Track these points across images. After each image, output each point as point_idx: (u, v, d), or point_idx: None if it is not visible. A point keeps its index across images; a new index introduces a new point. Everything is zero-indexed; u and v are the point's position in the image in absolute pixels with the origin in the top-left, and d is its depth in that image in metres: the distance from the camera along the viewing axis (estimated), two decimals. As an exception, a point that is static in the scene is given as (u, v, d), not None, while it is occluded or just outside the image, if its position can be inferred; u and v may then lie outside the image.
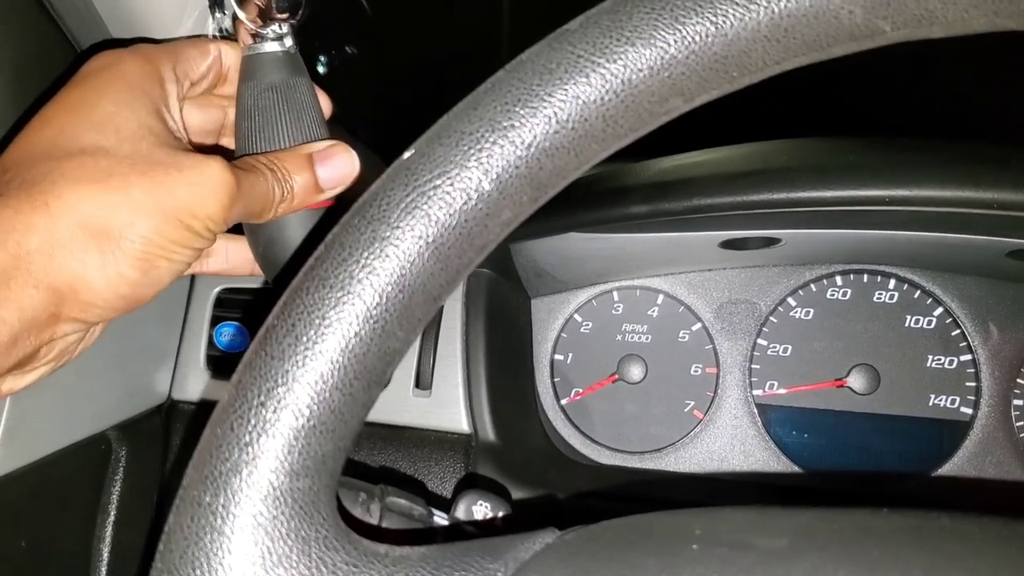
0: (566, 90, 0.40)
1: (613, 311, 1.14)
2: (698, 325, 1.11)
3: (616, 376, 1.11)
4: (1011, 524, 0.41)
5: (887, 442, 1.05)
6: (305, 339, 0.39)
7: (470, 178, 0.40)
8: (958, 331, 1.05)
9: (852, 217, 0.84)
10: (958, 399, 1.05)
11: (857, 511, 0.42)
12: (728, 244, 0.97)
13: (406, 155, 0.42)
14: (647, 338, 1.12)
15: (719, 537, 0.41)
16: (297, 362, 0.39)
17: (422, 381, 0.97)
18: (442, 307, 0.99)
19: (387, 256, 0.40)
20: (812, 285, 1.09)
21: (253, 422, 0.39)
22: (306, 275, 0.41)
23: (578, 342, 1.14)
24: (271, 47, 0.66)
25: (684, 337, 1.12)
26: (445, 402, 0.96)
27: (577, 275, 1.10)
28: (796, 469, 1.06)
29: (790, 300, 1.09)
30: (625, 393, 1.12)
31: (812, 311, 1.09)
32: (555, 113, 0.40)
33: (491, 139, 0.40)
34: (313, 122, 0.68)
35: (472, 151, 0.41)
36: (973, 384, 1.04)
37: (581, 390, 1.13)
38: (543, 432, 1.09)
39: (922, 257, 1.01)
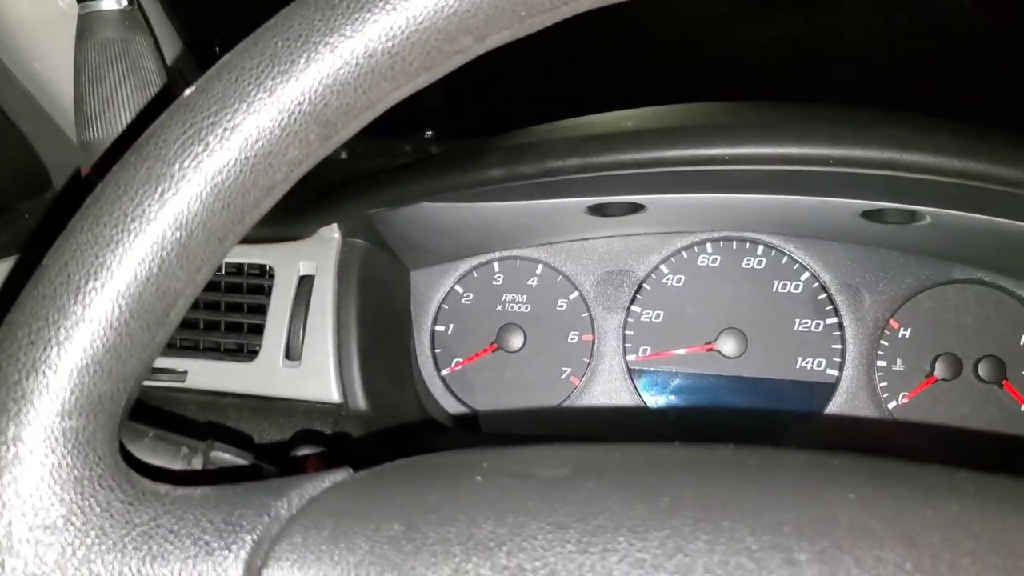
0: (348, 26, 0.40)
1: (494, 281, 1.14)
2: (575, 294, 1.12)
3: (496, 345, 1.12)
4: (788, 454, 0.42)
5: (756, 403, 1.08)
6: (77, 278, 0.39)
7: (250, 115, 0.40)
8: (824, 295, 1.08)
9: (706, 179, 0.86)
10: (824, 361, 1.08)
11: (644, 445, 0.43)
12: (595, 211, 0.98)
13: (186, 92, 0.42)
14: (526, 307, 1.13)
15: (504, 469, 0.41)
16: (69, 301, 0.39)
17: (292, 351, 0.97)
18: (313, 277, 0.98)
19: (162, 194, 0.39)
20: (684, 253, 1.11)
21: (22, 361, 0.38)
22: (81, 214, 0.40)
23: (459, 313, 1.14)
24: (107, 4, 0.65)
25: (562, 306, 1.13)
26: (315, 372, 0.96)
27: (454, 246, 1.10)
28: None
29: (663, 267, 1.11)
30: (505, 362, 1.13)
31: (683, 278, 1.11)
32: (338, 49, 0.40)
33: (271, 75, 0.40)
34: (152, 81, 0.67)
35: (252, 87, 0.40)
36: (838, 346, 1.07)
37: (461, 360, 1.13)
38: (418, 402, 1.09)
39: (786, 222, 1.03)
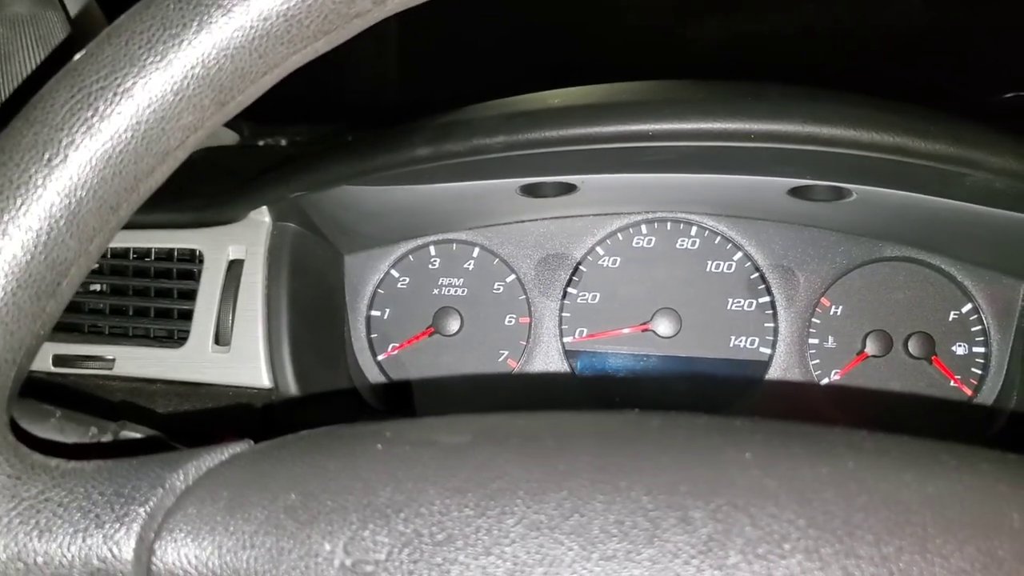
0: (242, -12, 0.39)
1: (430, 265, 1.13)
2: (512, 277, 1.12)
3: (432, 329, 1.11)
4: (690, 417, 0.42)
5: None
6: (-40, 247, 0.38)
7: (140, 79, 0.39)
8: (757, 275, 1.09)
9: (634, 158, 0.86)
10: (757, 340, 1.09)
11: (548, 412, 0.43)
12: (528, 191, 0.97)
13: (76, 57, 0.40)
14: (463, 291, 1.13)
15: (405, 438, 0.41)
16: (-49, 271, 0.37)
17: (221, 337, 0.95)
18: (243, 261, 0.96)
19: (49, 161, 0.38)
20: (619, 234, 1.11)
21: (-99, 334, 0.37)
22: (-36, 182, 0.39)
23: (395, 297, 1.13)
24: (14, -23, 0.63)
25: (499, 289, 1.12)
26: (245, 357, 0.94)
27: (388, 230, 1.09)
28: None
29: (599, 249, 1.11)
30: (442, 346, 1.12)
31: (619, 259, 1.11)
32: (231, 12, 0.39)
33: (162, 38, 0.39)
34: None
35: (143, 51, 0.39)
36: (771, 325, 1.08)
37: (398, 344, 1.13)
38: (352, 387, 1.08)
39: (717, 202, 1.04)
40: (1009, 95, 1.42)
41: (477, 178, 0.93)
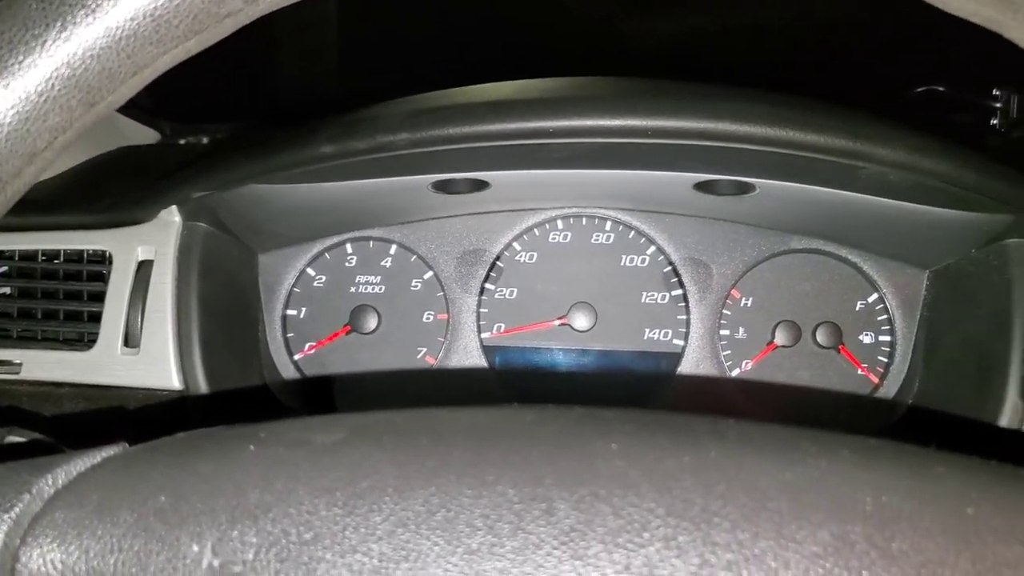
0: (106, -12, 0.39)
1: (347, 263, 1.13)
2: (430, 273, 1.12)
3: (349, 327, 1.11)
4: (566, 410, 0.43)
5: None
6: None
7: (1, 80, 0.38)
8: (669, 268, 1.11)
9: (541, 154, 0.86)
10: (670, 332, 1.10)
11: (427, 409, 0.43)
12: (440, 188, 0.98)
13: (-65, 58, 0.40)
14: (380, 288, 1.12)
15: (279, 438, 0.41)
16: None
17: (131, 339, 0.94)
18: (152, 262, 0.95)
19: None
20: (535, 230, 1.12)
21: None
22: None
23: (311, 296, 1.13)
24: None
25: (416, 286, 1.12)
26: (154, 359, 0.93)
27: (302, 228, 1.09)
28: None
29: (515, 245, 1.12)
30: (359, 344, 1.12)
31: (536, 255, 1.12)
32: (95, 11, 0.39)
33: (24, 39, 0.39)
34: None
35: (3, 51, 0.38)
36: (684, 317, 1.10)
37: (314, 343, 1.12)
38: (267, 386, 1.08)
39: (629, 197, 1.05)
40: (922, 89, 1.46)
41: (387, 175, 0.93)
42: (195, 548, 0.36)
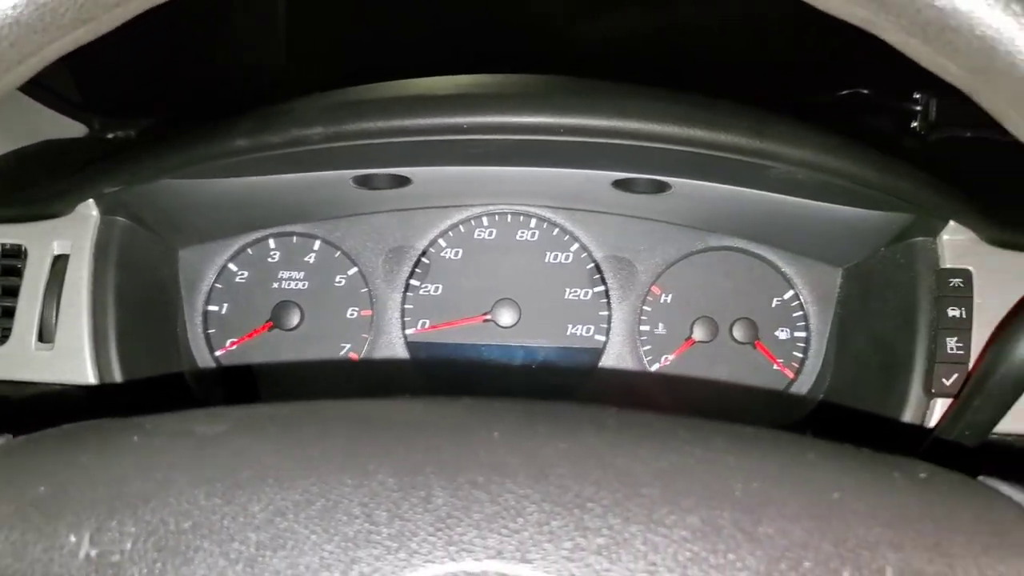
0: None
1: (269, 259, 1.12)
2: (354, 269, 1.12)
3: (271, 323, 1.10)
4: (454, 402, 0.43)
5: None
6: None
7: None
8: (592, 265, 1.12)
9: (459, 150, 0.87)
10: (592, 327, 1.12)
11: (315, 402, 0.44)
12: (361, 183, 0.98)
13: None
14: (304, 284, 1.12)
15: (163, 429, 0.41)
16: None
17: (45, 334, 0.92)
18: (68, 256, 0.94)
19: None
20: (461, 226, 1.13)
21: None
22: None
23: (233, 292, 1.12)
24: None
25: (340, 282, 1.12)
26: (69, 354, 0.92)
27: (223, 223, 1.08)
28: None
29: (440, 241, 1.12)
30: (282, 340, 1.11)
31: (461, 251, 1.13)
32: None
33: None
34: None
35: None
36: (605, 313, 1.12)
37: (236, 340, 1.11)
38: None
39: (550, 194, 1.07)
40: (846, 92, 1.49)
41: (307, 170, 0.93)
42: (72, 538, 0.36)
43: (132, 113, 1.37)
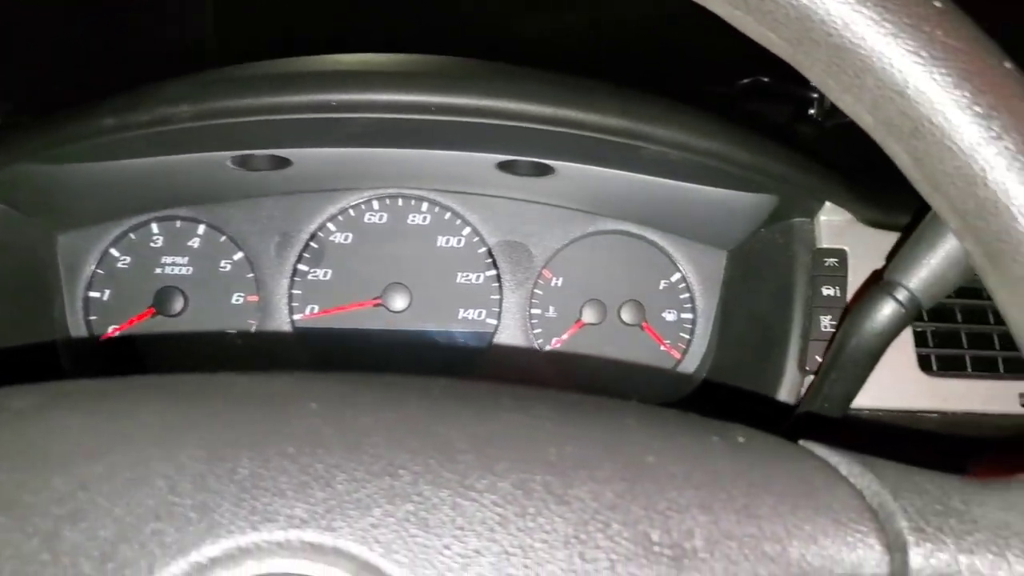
0: None
1: (152, 244, 1.10)
2: (240, 254, 1.10)
3: (154, 309, 1.08)
4: (279, 376, 0.43)
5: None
6: None
7: None
8: (484, 249, 1.12)
9: (333, 129, 0.86)
10: (484, 311, 1.12)
11: (144, 376, 0.43)
12: (240, 164, 0.96)
13: None
14: (188, 270, 1.10)
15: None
16: None
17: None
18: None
19: None
20: (351, 210, 1.12)
21: None
22: None
23: (115, 277, 1.09)
24: None
25: (226, 267, 1.10)
26: (-66, 343, 0.88)
27: (103, 207, 1.05)
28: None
29: (329, 225, 1.11)
30: (166, 326, 1.09)
31: (351, 235, 1.12)
32: None
33: None
34: None
35: None
36: (497, 297, 1.12)
37: (118, 326, 1.08)
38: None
39: (438, 177, 1.06)
40: (747, 80, 1.52)
41: (183, 151, 0.91)
42: None
43: (46, 98, 1.32)
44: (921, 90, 0.39)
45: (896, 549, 0.37)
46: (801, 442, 0.42)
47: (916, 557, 0.37)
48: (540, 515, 0.36)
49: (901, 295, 0.66)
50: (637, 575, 0.35)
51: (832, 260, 0.92)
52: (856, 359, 0.71)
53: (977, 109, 0.38)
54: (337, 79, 0.76)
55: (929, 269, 0.64)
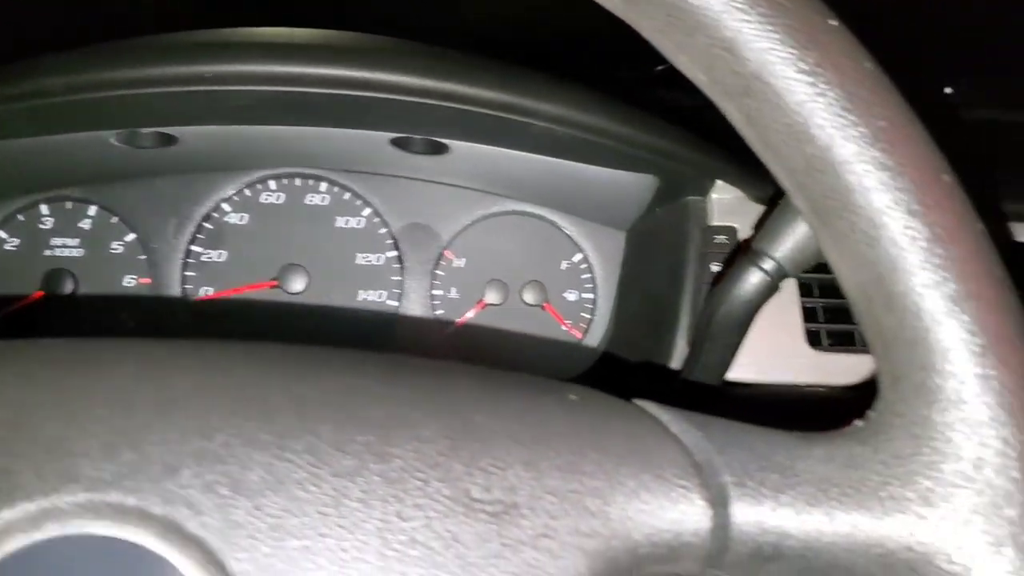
0: None
1: (40, 225, 1.07)
2: (131, 236, 1.07)
3: (42, 292, 1.05)
4: (101, 341, 0.42)
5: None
6: None
7: None
8: (385, 230, 1.11)
9: (221, 106, 0.84)
10: (385, 293, 1.11)
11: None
12: (125, 141, 0.93)
13: None
14: (79, 252, 1.07)
15: None
16: None
17: None
18: None
19: None
20: (247, 190, 1.10)
21: None
22: None
23: (2, 261, 1.05)
24: None
25: (117, 249, 1.08)
26: None
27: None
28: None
29: (224, 206, 1.09)
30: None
31: (247, 216, 1.10)
32: None
33: None
34: None
35: None
36: (398, 278, 1.11)
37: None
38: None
39: (335, 156, 1.05)
40: (662, 67, 1.53)
41: (64, 128, 0.89)
42: None
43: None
44: (750, 48, 0.39)
45: (719, 504, 0.38)
46: (636, 401, 0.43)
47: (738, 511, 0.38)
48: (358, 474, 0.35)
49: (766, 264, 0.67)
50: (455, 531, 0.35)
51: (722, 237, 0.93)
52: (725, 328, 0.72)
53: (803, 66, 0.39)
54: (212, 51, 0.74)
55: (791, 237, 0.65)
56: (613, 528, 0.37)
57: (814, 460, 0.38)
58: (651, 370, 0.95)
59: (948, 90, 1.39)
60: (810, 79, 0.39)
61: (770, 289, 0.68)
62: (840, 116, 0.38)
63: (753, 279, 0.68)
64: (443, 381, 0.41)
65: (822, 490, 0.38)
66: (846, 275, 0.41)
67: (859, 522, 0.37)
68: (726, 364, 0.77)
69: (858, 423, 0.40)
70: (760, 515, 0.37)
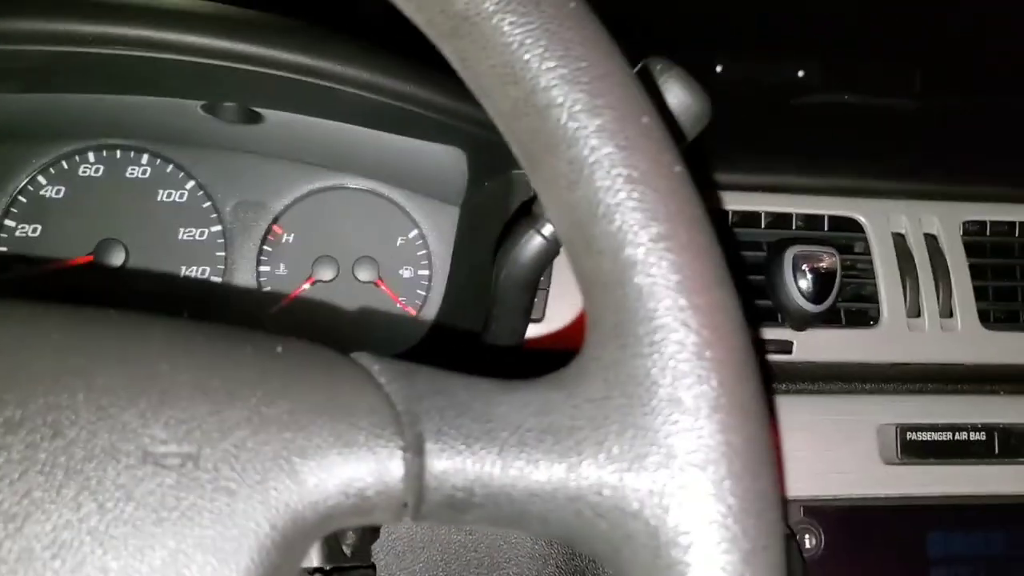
0: None
1: None
2: (-66, 210, 1.02)
3: None
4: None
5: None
6: None
7: None
8: (208, 204, 1.08)
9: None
10: (208, 269, 1.08)
11: None
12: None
13: None
14: None
15: None
16: None
17: None
18: None
19: None
20: (64, 162, 1.05)
21: None
22: None
23: None
24: None
25: (-81, 223, 1.02)
26: None
27: None
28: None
29: (39, 178, 1.04)
30: None
31: (63, 189, 1.05)
32: None
33: None
34: None
35: None
36: (223, 254, 1.08)
37: None
38: None
39: (150, 126, 1.01)
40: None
41: None
42: None
43: None
44: (453, -13, 0.38)
45: (415, 452, 0.37)
46: (353, 354, 0.42)
47: (433, 459, 0.37)
48: (20, 427, 0.33)
49: (545, 229, 0.67)
50: (128, 486, 0.34)
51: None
52: (510, 291, 0.72)
53: (505, 5, 0.38)
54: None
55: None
56: (301, 480, 0.36)
57: (510, 407, 0.38)
58: (472, 339, 0.95)
59: (800, 73, 1.43)
60: (513, 19, 0.38)
61: (551, 252, 0.68)
62: (542, 58, 0.38)
63: (533, 243, 0.68)
64: (133, 331, 0.39)
65: (516, 436, 0.37)
66: (555, 220, 0.40)
67: (550, 468, 0.37)
68: (518, 328, 0.77)
69: (562, 370, 0.40)
70: (455, 464, 0.37)
